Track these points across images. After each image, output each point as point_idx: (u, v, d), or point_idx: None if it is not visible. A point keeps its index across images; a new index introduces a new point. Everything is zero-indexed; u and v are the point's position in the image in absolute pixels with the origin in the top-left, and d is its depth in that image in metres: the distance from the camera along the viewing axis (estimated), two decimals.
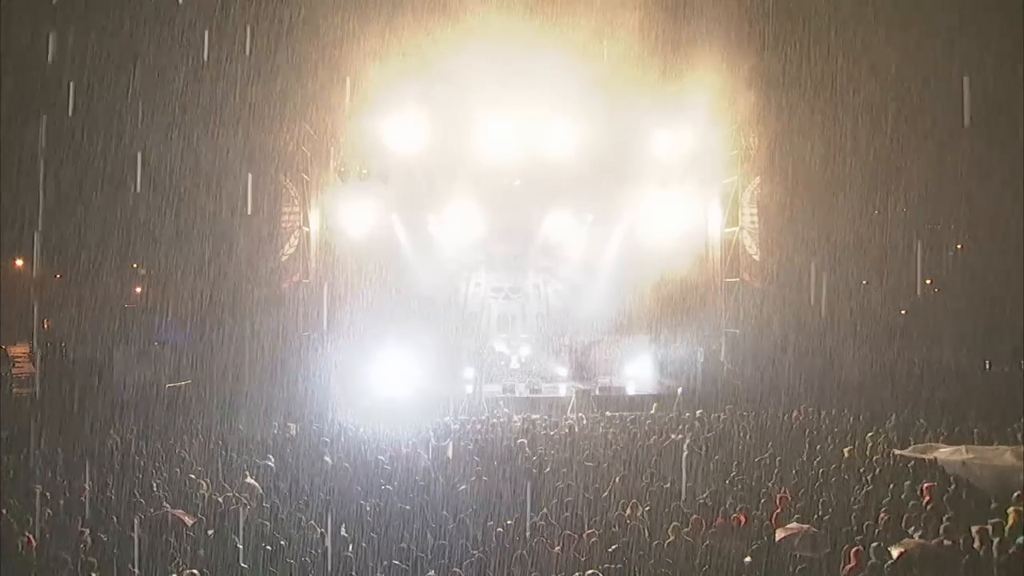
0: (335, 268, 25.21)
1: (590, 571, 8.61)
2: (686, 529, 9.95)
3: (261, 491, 12.06)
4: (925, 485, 11.56)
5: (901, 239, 23.96)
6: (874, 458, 13.95)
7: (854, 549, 8.90)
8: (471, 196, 24.75)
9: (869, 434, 15.63)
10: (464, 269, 26.77)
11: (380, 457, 14.44)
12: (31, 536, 9.65)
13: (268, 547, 9.39)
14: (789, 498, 11.26)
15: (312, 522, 10.35)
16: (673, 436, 16.14)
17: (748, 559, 8.93)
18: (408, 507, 11.23)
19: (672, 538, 9.60)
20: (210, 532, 10.06)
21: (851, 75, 22.55)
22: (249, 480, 12.50)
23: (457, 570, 8.90)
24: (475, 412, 19.80)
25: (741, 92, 22.48)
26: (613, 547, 9.49)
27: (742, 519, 10.59)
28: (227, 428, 16.76)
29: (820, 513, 10.54)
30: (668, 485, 12.44)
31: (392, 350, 22.40)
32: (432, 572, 8.95)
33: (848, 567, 8.70)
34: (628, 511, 10.88)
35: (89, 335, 22.84)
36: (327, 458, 14.29)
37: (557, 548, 9.57)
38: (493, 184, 24.50)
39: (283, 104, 21.69)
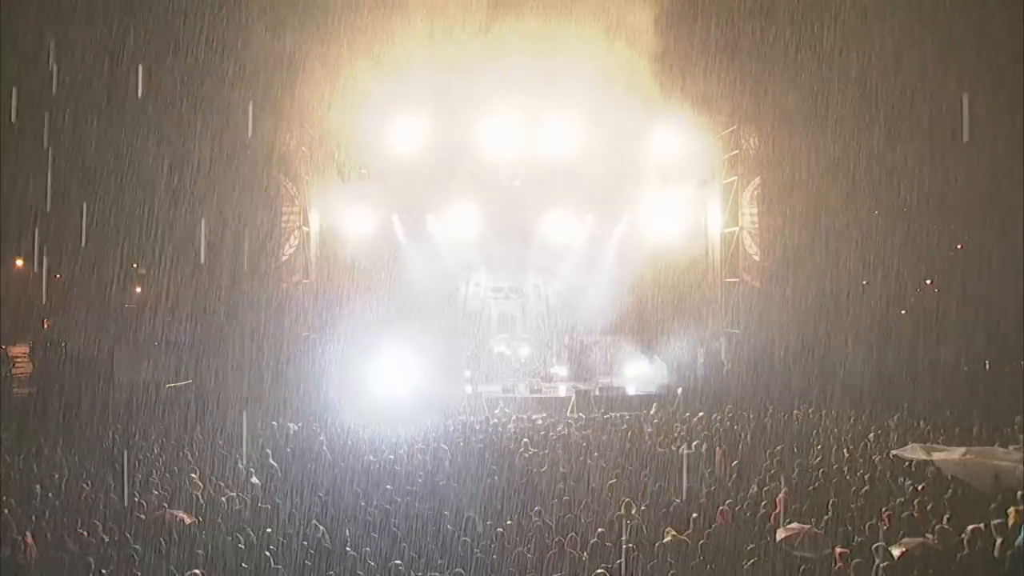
0: (335, 268, 25.21)
1: (599, 570, 8.61)
2: (687, 530, 9.95)
3: (261, 491, 12.07)
4: (921, 486, 11.56)
5: (901, 239, 23.96)
6: (874, 458, 13.95)
7: (848, 549, 8.92)
8: (471, 196, 24.74)
9: (869, 434, 15.63)
10: (464, 269, 26.76)
11: (383, 456, 14.44)
12: (32, 536, 9.65)
13: (271, 547, 9.39)
14: (789, 498, 11.26)
15: (313, 522, 10.35)
16: (672, 436, 16.15)
17: (750, 561, 8.93)
18: (408, 507, 11.23)
19: (671, 538, 9.60)
20: (210, 532, 10.05)
21: (852, 74, 22.56)
22: (251, 479, 12.51)
23: (459, 570, 8.90)
24: (475, 412, 19.79)
25: (741, 91, 22.48)
26: (613, 546, 9.50)
27: (741, 519, 10.59)
28: (227, 428, 16.74)
29: (820, 513, 10.54)
30: (668, 485, 12.45)
31: (392, 350, 22.38)
32: (436, 574, 8.96)
33: (838, 567, 8.72)
34: (628, 511, 10.89)
35: (89, 335, 22.81)
36: (327, 456, 14.31)
37: (557, 548, 9.57)
38: (493, 184, 24.49)
39: (283, 104, 21.68)
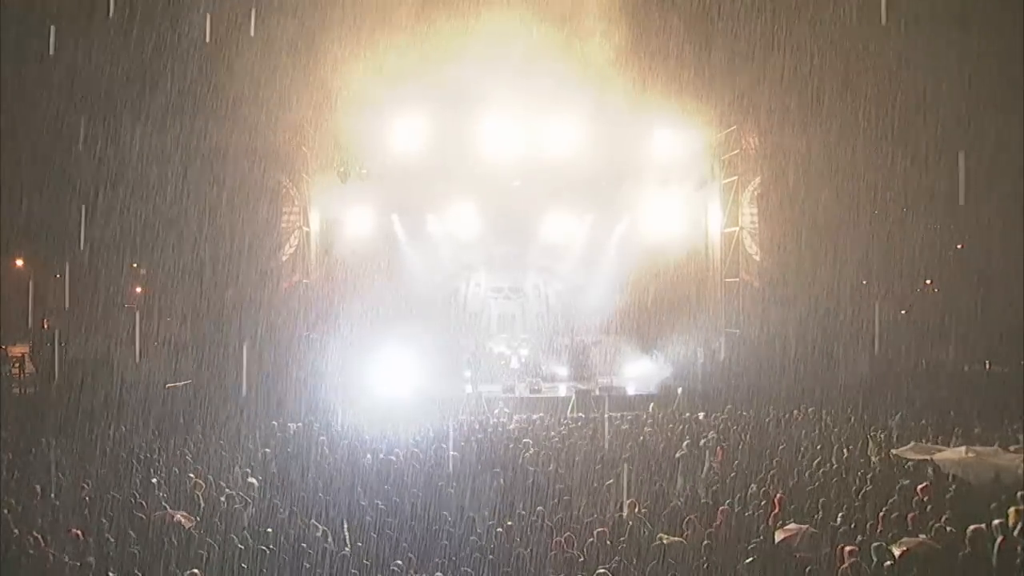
0: (335, 268, 25.23)
1: (600, 571, 8.60)
2: (686, 531, 9.95)
3: (260, 491, 12.06)
4: (920, 486, 11.55)
5: (901, 239, 23.95)
6: (874, 458, 13.95)
7: (848, 549, 8.91)
8: (471, 196, 24.76)
9: (869, 434, 15.63)
10: (464, 269, 26.79)
11: (383, 456, 14.44)
12: (33, 536, 9.63)
13: (270, 546, 9.38)
14: (787, 498, 11.25)
15: (313, 522, 10.35)
16: (672, 436, 16.15)
17: (748, 559, 8.92)
18: (408, 507, 11.23)
19: (671, 538, 9.60)
20: (210, 532, 10.05)
21: (852, 75, 22.55)
22: (251, 479, 12.50)
23: (466, 569, 8.91)
24: (475, 412, 19.79)
25: (742, 91, 22.48)
26: (613, 546, 9.49)
27: (741, 519, 10.59)
28: (227, 428, 16.74)
29: (820, 513, 10.53)
30: (668, 485, 12.45)
31: (392, 350, 22.39)
32: (439, 574, 8.96)
33: (842, 567, 8.70)
34: (627, 511, 10.88)
35: (89, 335, 22.80)
36: (327, 457, 14.31)
37: (557, 548, 9.56)
38: (493, 184, 24.49)
39: (283, 104, 21.67)
